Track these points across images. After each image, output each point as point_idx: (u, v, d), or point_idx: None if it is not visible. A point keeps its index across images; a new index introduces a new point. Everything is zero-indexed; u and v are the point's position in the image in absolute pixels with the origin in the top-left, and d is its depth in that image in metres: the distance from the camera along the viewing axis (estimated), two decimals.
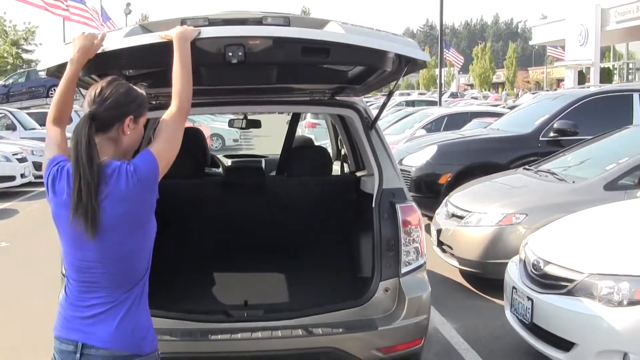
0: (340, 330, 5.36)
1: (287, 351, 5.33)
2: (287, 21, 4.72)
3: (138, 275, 3.61)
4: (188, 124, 6.82)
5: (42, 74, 45.74)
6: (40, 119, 30.85)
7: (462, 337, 8.07)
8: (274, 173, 8.45)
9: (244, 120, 9.16)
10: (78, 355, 3.56)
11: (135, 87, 3.74)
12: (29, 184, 22.14)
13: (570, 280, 6.27)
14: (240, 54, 4.36)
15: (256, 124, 9.31)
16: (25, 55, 78.93)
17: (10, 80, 47.11)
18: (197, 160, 7.17)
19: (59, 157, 3.67)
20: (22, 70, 58.15)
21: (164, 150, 3.61)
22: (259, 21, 4.67)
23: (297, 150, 7.79)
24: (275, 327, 5.34)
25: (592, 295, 6.05)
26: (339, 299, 5.65)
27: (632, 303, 5.82)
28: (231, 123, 10.02)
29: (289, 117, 9.78)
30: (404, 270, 5.55)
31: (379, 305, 5.52)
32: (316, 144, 10.10)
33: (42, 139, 25.05)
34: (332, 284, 5.93)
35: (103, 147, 3.55)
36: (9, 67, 71.46)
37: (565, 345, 6.25)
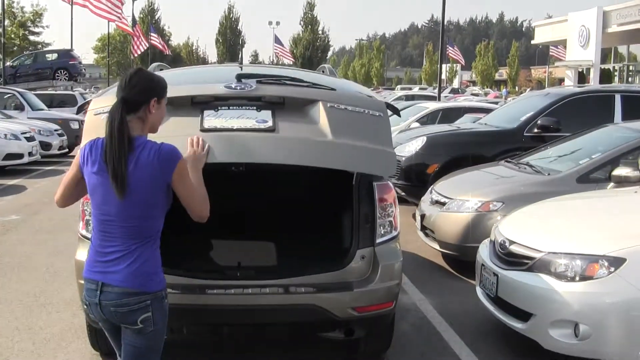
0: (321, 290, 5.98)
1: (274, 306, 5.95)
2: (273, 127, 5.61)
3: (150, 232, 4.39)
4: None
5: (49, 57, 46.54)
6: (47, 101, 31.46)
7: (438, 312, 8.72)
8: None
9: None
10: (98, 292, 4.36)
11: (156, 74, 4.55)
12: (36, 162, 22.81)
13: (531, 258, 6.98)
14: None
15: None
16: (32, 37, 79.35)
17: (17, 62, 47.56)
18: None
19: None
20: (29, 52, 58.61)
21: (187, 187, 4.41)
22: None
23: None
24: (264, 285, 5.96)
25: (549, 272, 6.75)
26: (320, 264, 6.26)
27: (583, 278, 6.52)
28: None
29: None
30: (378, 240, 6.17)
31: (355, 270, 6.13)
32: None
33: (49, 120, 25.79)
34: (315, 251, 6.51)
35: (133, 124, 4.32)
36: (15, 49, 71.86)
37: (524, 316, 6.95)
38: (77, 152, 4.59)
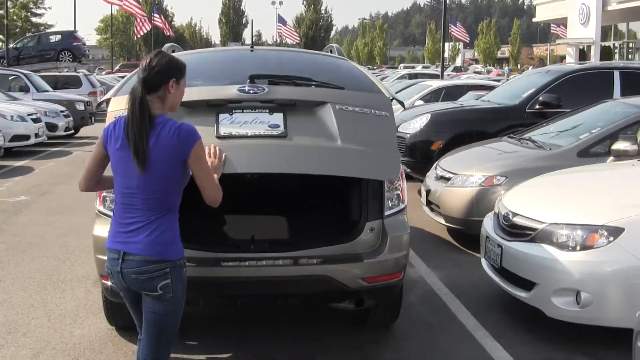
0: (332, 261, 6.19)
1: (287, 277, 6.17)
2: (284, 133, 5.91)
3: (169, 204, 4.66)
4: None
5: (53, 38, 46.64)
6: (51, 82, 31.53)
7: (444, 284, 8.94)
8: None
9: None
10: (120, 260, 4.64)
11: (174, 56, 4.83)
12: (43, 143, 22.96)
13: (534, 229, 7.23)
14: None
15: None
16: (34, 19, 79.44)
17: (21, 44, 47.63)
18: None
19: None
20: (32, 33, 58.65)
21: (203, 168, 4.70)
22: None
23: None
24: (277, 258, 6.16)
25: (551, 242, 7.00)
26: (331, 237, 6.47)
27: (584, 248, 6.78)
28: None
29: None
30: (387, 213, 6.38)
31: (365, 242, 6.33)
32: None
33: (54, 101, 25.94)
34: (326, 224, 6.72)
35: (154, 103, 4.60)
36: (17, 31, 71.89)
37: (528, 285, 7.21)
38: (100, 133, 4.84)
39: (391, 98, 6.81)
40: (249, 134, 5.90)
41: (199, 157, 4.63)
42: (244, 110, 6.06)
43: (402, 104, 7.10)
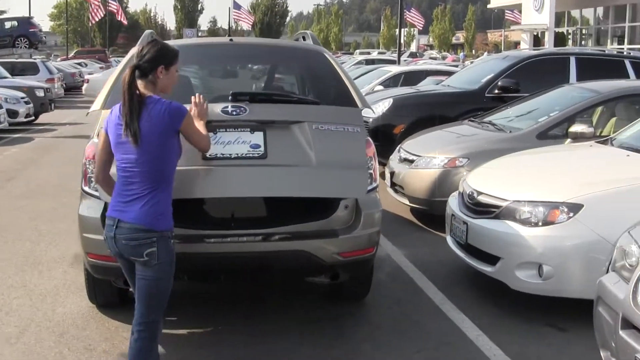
0: (309, 237, 6.51)
1: (266, 252, 6.47)
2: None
3: (163, 176, 5.15)
4: None
5: (8, 25, 46.25)
6: (7, 69, 31.40)
7: (411, 261, 9.28)
8: None
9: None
10: (114, 227, 5.15)
11: (168, 43, 5.42)
12: (4, 130, 22.97)
13: (498, 207, 7.59)
14: None
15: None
16: None
17: None
18: None
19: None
20: None
21: (193, 132, 5.40)
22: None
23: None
24: (257, 234, 6.46)
25: (515, 218, 7.37)
26: (309, 213, 6.73)
27: (546, 224, 7.16)
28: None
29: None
30: None
31: (340, 218, 6.66)
32: None
33: (14, 88, 25.87)
34: (304, 203, 7.01)
35: (146, 87, 5.19)
36: None
37: (492, 260, 7.57)
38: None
39: (362, 108, 7.13)
40: (232, 156, 6.29)
41: (189, 126, 5.32)
42: (227, 130, 6.39)
43: (372, 110, 7.37)
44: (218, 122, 6.33)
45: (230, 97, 6.58)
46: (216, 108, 6.40)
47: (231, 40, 7.43)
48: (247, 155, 6.31)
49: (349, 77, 7.39)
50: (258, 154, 6.32)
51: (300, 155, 6.37)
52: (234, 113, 6.40)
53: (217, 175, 6.20)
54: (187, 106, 5.59)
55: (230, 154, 6.29)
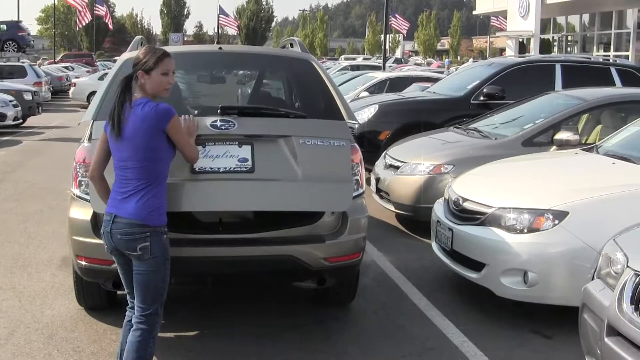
0: (296, 242, 6.58)
1: (254, 257, 6.51)
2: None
3: (155, 174, 5.36)
4: None
5: None
6: None
7: (396, 267, 9.34)
8: None
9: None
10: (111, 222, 5.37)
11: (148, 51, 5.51)
12: None
13: (483, 214, 7.65)
14: None
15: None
16: None
17: None
18: None
19: None
20: None
21: (180, 137, 5.51)
22: None
23: (264, 99, 8.67)
24: (245, 239, 6.55)
25: (500, 225, 7.43)
26: (296, 219, 6.75)
27: (531, 230, 7.22)
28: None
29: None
30: None
31: (327, 224, 6.73)
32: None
33: (2, 91, 25.86)
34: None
35: (138, 89, 5.41)
36: None
37: (478, 266, 7.62)
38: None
39: (351, 122, 7.21)
40: (220, 170, 6.39)
41: (176, 128, 5.42)
42: (216, 143, 6.48)
43: (357, 121, 7.43)
44: (207, 135, 6.43)
45: (219, 111, 6.63)
46: (205, 122, 6.49)
47: (220, 48, 7.46)
48: (235, 169, 6.41)
49: (335, 88, 7.43)
50: (246, 167, 6.42)
51: (286, 170, 6.48)
52: (223, 127, 6.50)
53: (206, 189, 6.33)
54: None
55: (218, 168, 6.39)
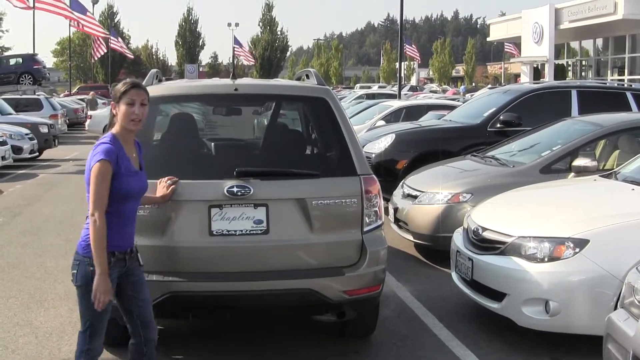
0: (315, 275, 6.58)
1: (274, 291, 6.50)
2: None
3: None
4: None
5: (13, 61, 46.38)
6: (12, 105, 31.48)
7: (416, 298, 9.27)
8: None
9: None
10: None
11: (123, 82, 5.66)
12: (8, 166, 22.98)
13: (503, 243, 7.61)
14: None
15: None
16: None
17: None
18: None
19: None
20: None
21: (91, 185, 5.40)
22: None
23: (280, 132, 8.64)
24: (265, 270, 6.57)
25: (520, 254, 7.38)
26: None
27: (551, 259, 7.16)
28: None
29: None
30: (365, 229, 6.77)
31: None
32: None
33: (19, 124, 25.99)
34: None
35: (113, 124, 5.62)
36: None
37: (498, 296, 7.57)
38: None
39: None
40: (237, 233, 6.56)
41: (92, 173, 5.34)
42: (232, 205, 6.58)
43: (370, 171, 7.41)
44: (224, 201, 6.55)
45: (235, 174, 6.63)
46: (221, 187, 6.55)
47: (236, 90, 7.40)
48: (251, 231, 6.58)
49: (349, 130, 7.24)
50: (261, 230, 6.59)
51: (300, 231, 6.65)
52: (239, 194, 6.56)
53: (223, 252, 6.56)
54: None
55: (235, 231, 6.56)
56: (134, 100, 5.45)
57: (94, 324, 5.56)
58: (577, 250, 7.04)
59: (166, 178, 6.41)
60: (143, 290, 5.77)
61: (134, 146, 5.69)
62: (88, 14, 55.52)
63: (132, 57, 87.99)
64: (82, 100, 53.83)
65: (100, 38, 66.63)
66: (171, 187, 6.38)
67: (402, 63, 45.79)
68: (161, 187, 6.37)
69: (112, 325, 7.21)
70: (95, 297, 5.30)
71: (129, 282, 5.68)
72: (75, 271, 5.45)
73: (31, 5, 43.49)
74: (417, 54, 77.11)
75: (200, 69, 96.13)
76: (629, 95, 15.32)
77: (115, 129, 5.52)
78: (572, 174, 10.26)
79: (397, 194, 12.12)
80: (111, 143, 5.40)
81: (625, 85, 17.84)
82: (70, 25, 59.65)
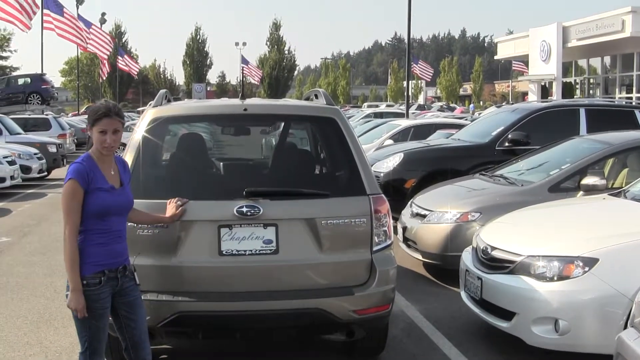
0: (324, 294, 6.60)
1: (283, 310, 6.53)
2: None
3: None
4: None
5: (21, 81, 46.61)
6: (20, 125, 31.57)
7: (424, 317, 9.27)
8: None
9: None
10: None
11: (97, 106, 5.71)
12: (17, 186, 23.05)
13: (512, 262, 7.61)
14: None
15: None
16: (0, 62, 79.39)
17: None
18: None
19: None
20: (1, 76, 58.40)
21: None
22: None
23: (289, 152, 8.62)
24: (274, 290, 6.58)
25: (529, 273, 7.38)
26: None
27: (561, 278, 7.16)
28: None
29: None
30: (375, 248, 6.79)
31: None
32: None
33: (27, 144, 26.05)
34: None
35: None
36: None
37: (508, 315, 7.56)
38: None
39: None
40: (246, 252, 6.59)
41: (62, 193, 5.50)
42: (242, 225, 6.61)
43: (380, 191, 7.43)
44: (233, 221, 6.57)
45: (244, 194, 6.65)
46: (230, 208, 6.57)
47: (245, 110, 7.43)
48: (261, 251, 6.60)
49: (358, 151, 7.25)
50: (270, 250, 6.61)
51: (309, 250, 6.67)
52: (249, 214, 6.58)
53: (233, 271, 6.59)
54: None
55: (245, 251, 6.58)
56: (106, 130, 5.53)
57: (92, 343, 5.62)
58: (587, 269, 7.03)
59: (176, 199, 6.43)
60: (136, 311, 5.81)
61: (113, 164, 5.76)
62: (94, 26, 55.62)
63: (136, 75, 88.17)
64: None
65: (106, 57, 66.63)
66: (180, 208, 6.40)
67: (410, 82, 45.71)
68: (171, 207, 6.39)
69: (117, 344, 7.29)
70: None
71: (122, 302, 5.74)
72: (68, 293, 5.52)
73: (31, 25, 43.54)
74: (429, 71, 76.74)
75: (208, 88, 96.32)
76: (637, 113, 15.38)
77: (92, 150, 5.62)
78: (581, 192, 10.26)
79: (406, 213, 12.12)
80: (82, 162, 5.52)
81: (634, 104, 17.87)
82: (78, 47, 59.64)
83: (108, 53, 59.47)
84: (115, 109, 5.63)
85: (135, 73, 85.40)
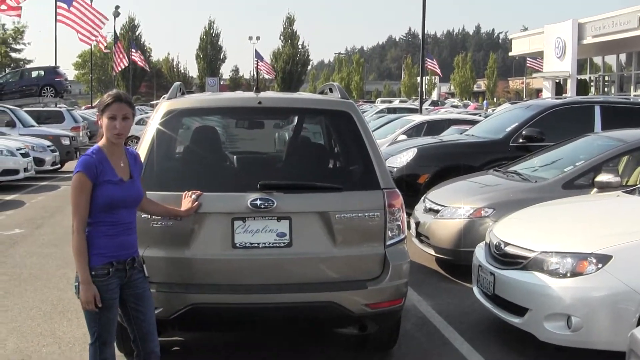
0: (337, 288, 6.61)
1: (296, 303, 6.55)
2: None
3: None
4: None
5: (35, 74, 46.74)
6: (34, 117, 31.66)
7: (436, 312, 9.27)
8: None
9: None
10: None
11: (108, 93, 5.75)
12: (31, 178, 23.16)
13: (525, 258, 7.60)
14: None
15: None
16: (13, 54, 79.55)
17: (3, 79, 47.59)
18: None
19: None
20: (15, 69, 58.53)
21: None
22: None
23: (303, 145, 8.70)
24: (287, 283, 6.60)
25: (543, 269, 7.37)
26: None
27: (574, 274, 7.15)
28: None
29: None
30: (388, 242, 6.78)
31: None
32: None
33: (41, 136, 26.14)
34: None
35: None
36: None
37: (520, 311, 7.56)
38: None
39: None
40: (260, 245, 6.60)
41: (71, 186, 5.53)
42: (256, 218, 6.62)
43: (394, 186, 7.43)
44: (247, 213, 6.58)
45: (258, 186, 6.65)
46: (245, 200, 6.58)
47: (260, 103, 7.43)
48: (274, 244, 6.61)
49: (373, 146, 7.23)
50: (284, 242, 6.61)
51: (322, 244, 6.68)
52: (263, 207, 6.58)
53: (246, 264, 6.58)
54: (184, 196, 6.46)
55: (258, 243, 6.58)
56: (115, 115, 5.50)
57: (101, 334, 5.65)
58: (600, 265, 7.02)
59: (190, 192, 6.45)
60: (145, 303, 5.82)
61: (123, 156, 5.74)
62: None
63: (148, 69, 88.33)
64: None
65: (122, 51, 66.70)
66: (196, 202, 6.42)
67: (423, 78, 45.65)
68: (186, 201, 6.40)
69: (127, 334, 7.32)
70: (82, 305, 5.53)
71: (131, 294, 5.75)
72: (76, 284, 5.61)
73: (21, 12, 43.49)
74: (437, 69, 76.84)
75: (222, 82, 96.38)
76: None
77: (101, 141, 5.61)
78: (595, 189, 10.25)
79: (419, 208, 12.12)
80: (91, 155, 5.51)
81: None
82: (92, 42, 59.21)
83: (95, 34, 56.95)
84: (125, 96, 5.66)
85: (144, 65, 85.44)
